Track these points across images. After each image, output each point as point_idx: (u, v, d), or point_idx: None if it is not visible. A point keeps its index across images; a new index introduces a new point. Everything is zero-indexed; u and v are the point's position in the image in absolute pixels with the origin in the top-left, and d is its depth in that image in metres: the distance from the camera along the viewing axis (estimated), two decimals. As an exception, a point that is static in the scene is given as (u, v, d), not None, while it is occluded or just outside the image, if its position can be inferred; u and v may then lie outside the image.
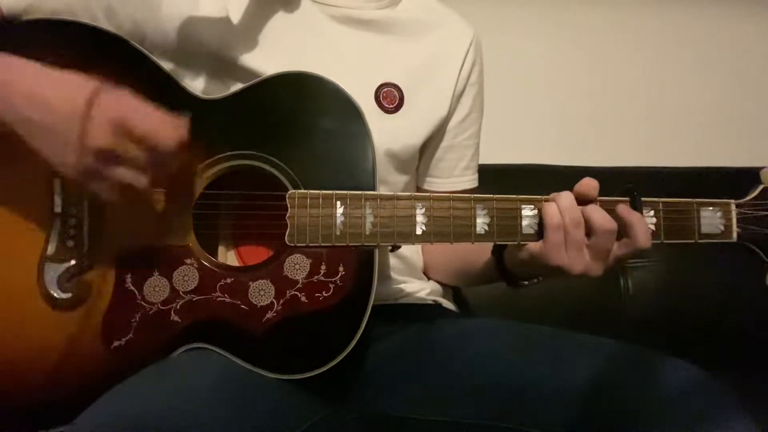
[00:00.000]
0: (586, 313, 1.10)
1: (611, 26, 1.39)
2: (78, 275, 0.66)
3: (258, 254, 0.71)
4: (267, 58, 0.73)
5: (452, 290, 0.91)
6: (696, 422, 0.57)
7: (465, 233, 0.67)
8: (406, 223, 0.66)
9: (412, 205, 0.66)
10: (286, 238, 0.66)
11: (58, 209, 0.66)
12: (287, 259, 0.66)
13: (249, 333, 0.65)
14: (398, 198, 0.66)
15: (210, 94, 0.70)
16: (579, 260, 0.64)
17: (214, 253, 0.72)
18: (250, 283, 0.66)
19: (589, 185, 0.66)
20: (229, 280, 0.66)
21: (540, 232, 0.66)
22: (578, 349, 0.67)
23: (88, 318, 0.65)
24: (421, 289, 0.85)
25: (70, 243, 0.66)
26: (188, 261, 0.66)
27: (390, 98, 0.78)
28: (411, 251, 0.85)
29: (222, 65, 0.73)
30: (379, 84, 0.78)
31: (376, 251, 0.67)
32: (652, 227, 0.67)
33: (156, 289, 0.65)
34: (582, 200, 0.66)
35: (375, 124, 0.69)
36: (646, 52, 1.40)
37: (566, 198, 0.65)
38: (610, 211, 0.65)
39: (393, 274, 0.82)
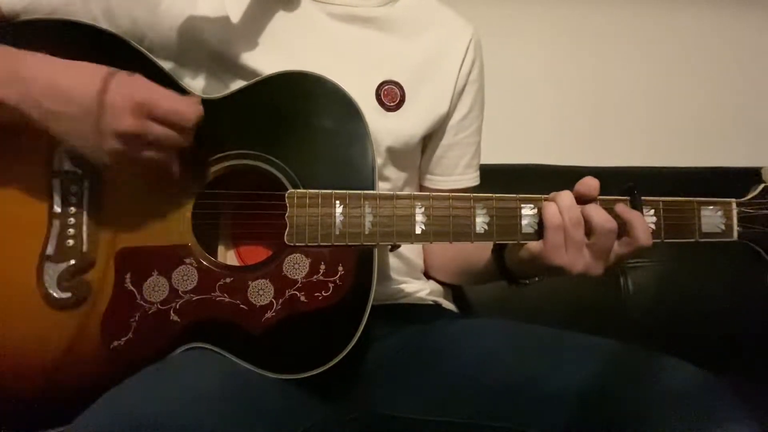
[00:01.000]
0: (586, 313, 1.10)
1: (611, 26, 1.39)
2: (77, 275, 0.66)
3: (257, 254, 0.71)
4: (266, 57, 0.73)
5: (452, 290, 0.91)
6: (696, 422, 0.57)
7: (464, 232, 0.66)
8: (405, 222, 0.66)
9: (412, 204, 0.66)
10: (285, 237, 0.66)
11: (57, 209, 0.66)
12: (286, 259, 0.66)
13: (248, 332, 0.65)
14: (397, 197, 0.66)
15: (209, 93, 0.70)
16: (579, 260, 0.64)
17: (214, 253, 0.72)
18: (250, 282, 0.66)
19: (589, 185, 0.66)
20: (228, 280, 0.66)
21: (540, 231, 0.66)
22: (578, 349, 0.67)
23: (88, 318, 0.65)
24: (420, 290, 0.85)
25: (70, 243, 0.66)
26: (187, 261, 0.66)
27: (391, 96, 0.78)
28: (411, 251, 0.85)
29: (221, 64, 0.73)
30: (380, 82, 0.78)
31: (376, 251, 0.67)
32: (653, 226, 0.67)
33: (155, 288, 0.65)
34: (582, 199, 0.65)
35: (376, 121, 0.69)
36: (646, 52, 1.40)
37: (566, 197, 0.65)
38: (610, 210, 0.65)
39: (393, 274, 0.82)
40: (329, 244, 0.65)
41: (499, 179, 0.83)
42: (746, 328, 1.14)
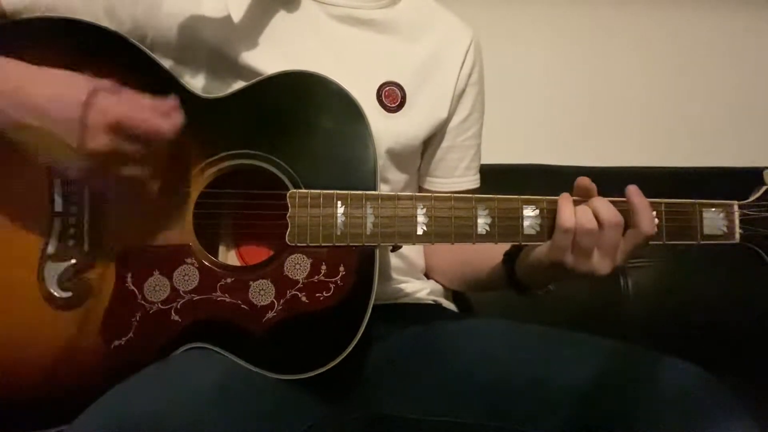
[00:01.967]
0: (586, 313, 1.10)
1: (611, 26, 1.39)
2: (78, 274, 0.66)
3: (258, 254, 0.71)
4: (267, 57, 0.73)
5: (452, 290, 0.91)
6: (696, 422, 0.57)
7: (466, 233, 0.66)
8: (407, 223, 0.66)
9: (413, 205, 0.66)
10: (286, 237, 0.65)
11: (58, 208, 0.66)
12: (288, 259, 0.66)
13: (249, 333, 0.65)
14: (399, 198, 0.66)
15: (210, 91, 0.70)
16: (584, 261, 0.64)
17: (215, 253, 0.72)
18: (251, 282, 0.66)
19: (587, 188, 0.66)
20: (229, 280, 0.66)
21: (543, 232, 0.66)
22: (578, 349, 0.67)
23: (89, 317, 0.65)
24: (421, 289, 0.85)
25: (71, 242, 0.66)
26: (189, 260, 0.66)
27: (392, 97, 0.78)
28: (412, 251, 0.85)
29: (222, 63, 0.73)
30: (381, 83, 0.78)
31: (377, 251, 0.67)
32: (656, 228, 0.67)
33: (156, 288, 0.65)
34: (585, 195, 0.66)
35: (377, 123, 0.69)
36: (646, 52, 1.40)
37: (584, 211, 0.64)
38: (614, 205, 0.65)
39: (393, 274, 0.82)
40: (330, 244, 0.65)
41: (499, 179, 0.83)
42: (746, 329, 1.14)
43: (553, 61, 1.37)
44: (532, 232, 0.67)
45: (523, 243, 0.68)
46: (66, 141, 0.58)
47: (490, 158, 0.94)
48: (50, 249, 0.66)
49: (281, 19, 0.76)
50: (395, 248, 0.71)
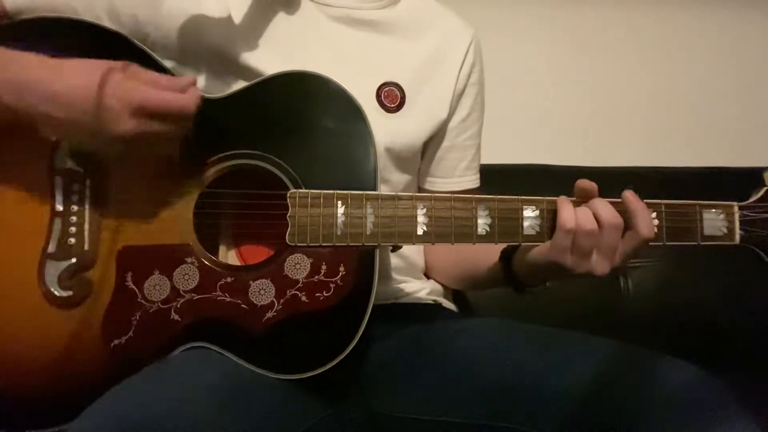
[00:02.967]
0: (586, 313, 1.10)
1: (611, 26, 1.39)
2: (78, 273, 0.66)
3: (259, 253, 0.71)
4: (268, 58, 0.73)
5: (452, 290, 0.91)
6: (696, 422, 0.57)
7: (466, 234, 0.66)
8: (407, 223, 0.66)
9: (413, 205, 0.66)
10: (286, 237, 0.66)
11: (59, 207, 0.66)
12: (288, 259, 0.66)
13: (249, 332, 0.65)
14: (399, 198, 0.66)
15: (210, 92, 0.70)
16: (583, 262, 0.65)
17: (215, 252, 0.72)
18: (251, 282, 0.66)
19: (591, 185, 0.66)
20: (229, 280, 0.66)
21: (543, 232, 0.66)
22: (578, 349, 0.67)
23: (89, 316, 0.65)
24: (421, 289, 0.85)
25: (71, 241, 0.66)
26: (189, 260, 0.66)
27: (391, 97, 0.78)
28: (412, 250, 0.85)
29: (223, 64, 0.73)
30: (380, 83, 0.78)
31: (377, 251, 0.67)
32: (654, 229, 0.67)
33: (156, 287, 0.65)
34: (585, 197, 0.66)
35: (376, 123, 0.69)
36: (646, 52, 1.40)
37: (585, 213, 0.64)
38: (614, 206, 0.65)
39: (393, 274, 0.82)
40: (330, 244, 0.65)
41: (499, 179, 0.83)
42: (746, 329, 1.14)
43: (553, 60, 1.37)
44: (532, 232, 0.67)
45: (523, 243, 0.68)
46: (90, 128, 0.59)
47: (490, 158, 0.94)
48: (51, 248, 0.66)
49: (281, 20, 0.76)
50: (395, 248, 0.71)
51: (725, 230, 0.68)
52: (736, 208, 0.68)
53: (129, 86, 0.59)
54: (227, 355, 0.65)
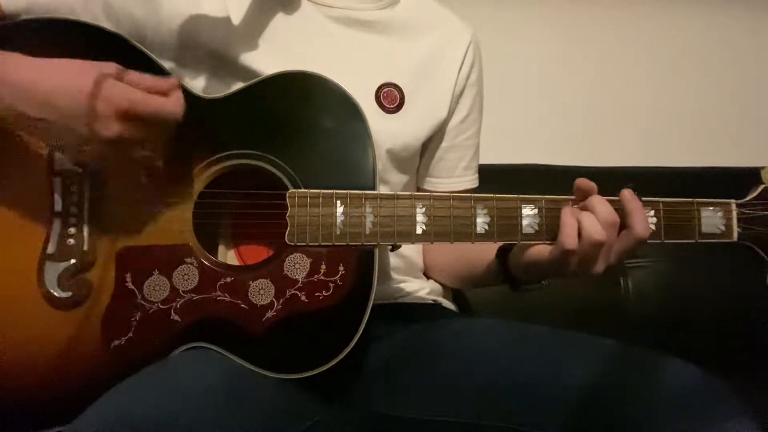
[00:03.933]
0: (586, 313, 1.10)
1: (611, 26, 1.39)
2: (78, 274, 0.66)
3: (258, 253, 0.71)
4: (267, 59, 0.73)
5: (452, 290, 0.91)
6: (696, 422, 0.57)
7: (465, 233, 0.67)
8: (406, 222, 0.66)
9: (412, 204, 0.66)
10: (286, 237, 0.66)
11: (58, 208, 0.66)
12: (287, 259, 0.66)
13: (249, 332, 0.65)
14: (398, 197, 0.66)
15: (210, 93, 0.70)
16: (582, 268, 0.65)
17: (215, 253, 0.72)
18: (250, 282, 0.66)
19: (590, 184, 0.66)
20: (229, 280, 0.66)
21: (542, 231, 0.66)
22: (578, 349, 0.67)
23: (88, 317, 0.65)
24: (420, 289, 0.85)
25: (71, 242, 0.66)
26: (188, 260, 0.66)
27: (390, 98, 0.78)
28: (411, 250, 0.85)
29: (222, 65, 0.73)
30: (379, 84, 0.78)
31: (377, 250, 0.67)
32: (653, 227, 0.67)
33: (156, 288, 0.65)
34: (584, 197, 0.66)
35: (375, 124, 0.69)
36: (645, 52, 1.40)
37: (591, 222, 0.64)
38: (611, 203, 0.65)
39: (393, 274, 0.82)
40: (330, 243, 0.66)
41: (499, 179, 0.83)
42: (746, 328, 1.14)
43: (553, 60, 1.37)
44: (531, 231, 0.67)
45: (522, 242, 0.68)
46: (76, 131, 0.59)
47: (490, 158, 0.95)
48: (50, 249, 0.66)
49: (280, 20, 0.76)
50: (395, 248, 0.71)
51: (723, 228, 0.68)
52: (733, 206, 0.69)
53: (116, 89, 0.59)
54: (227, 355, 0.65)
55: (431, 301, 0.85)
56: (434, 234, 0.66)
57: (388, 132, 0.76)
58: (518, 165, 1.21)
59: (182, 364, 0.63)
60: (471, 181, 0.88)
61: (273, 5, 0.75)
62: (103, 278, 0.66)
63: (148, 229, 0.67)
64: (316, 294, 0.65)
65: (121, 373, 0.60)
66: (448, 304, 0.88)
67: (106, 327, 0.65)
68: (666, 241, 0.68)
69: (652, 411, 0.59)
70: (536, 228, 0.67)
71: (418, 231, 0.66)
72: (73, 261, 0.66)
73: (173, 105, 0.61)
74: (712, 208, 0.68)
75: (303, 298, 0.65)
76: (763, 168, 0.70)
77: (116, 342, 0.65)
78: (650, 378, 0.62)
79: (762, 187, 0.69)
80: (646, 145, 1.38)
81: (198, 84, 0.74)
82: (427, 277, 0.88)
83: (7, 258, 0.66)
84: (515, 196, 0.67)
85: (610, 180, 0.68)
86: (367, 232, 0.66)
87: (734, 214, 0.69)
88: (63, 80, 0.59)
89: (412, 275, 0.85)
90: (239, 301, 0.65)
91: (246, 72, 0.73)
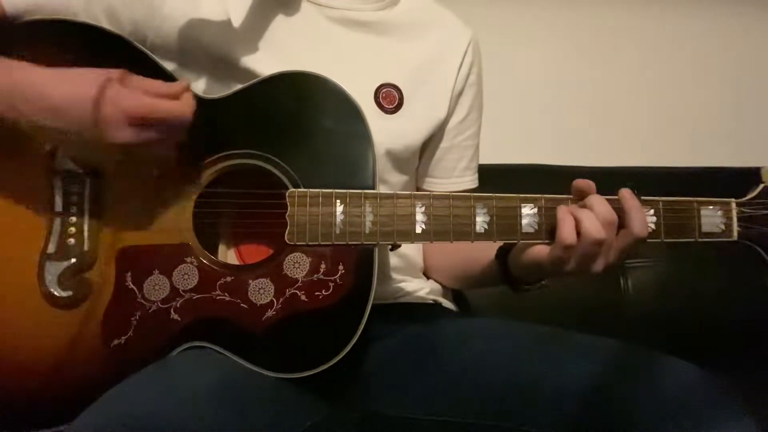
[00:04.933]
0: (586, 313, 1.10)
1: (611, 27, 1.39)
2: (78, 273, 0.66)
3: (258, 253, 0.71)
4: (268, 60, 0.73)
5: (452, 290, 0.91)
6: (696, 422, 0.57)
7: (465, 232, 0.67)
8: (405, 221, 0.66)
9: (412, 203, 0.66)
10: (286, 236, 0.66)
11: (58, 207, 0.66)
12: (287, 258, 0.66)
13: (249, 331, 0.65)
14: (398, 197, 0.66)
15: (211, 94, 0.70)
16: (582, 267, 0.65)
17: (214, 252, 0.72)
18: (250, 281, 0.66)
19: (588, 183, 0.66)
20: (228, 279, 0.66)
21: (541, 230, 0.66)
22: (578, 349, 0.67)
23: (88, 316, 0.65)
24: (420, 288, 0.85)
25: (71, 241, 0.66)
26: (188, 259, 0.66)
27: (390, 99, 0.78)
28: (411, 250, 0.85)
29: (223, 67, 0.73)
30: (378, 84, 0.78)
31: (376, 250, 0.67)
32: (653, 226, 0.67)
33: (156, 287, 0.65)
34: (583, 197, 0.66)
35: (375, 124, 0.69)
36: (645, 52, 1.40)
37: (590, 219, 0.64)
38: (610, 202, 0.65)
39: (393, 273, 0.82)
40: (330, 243, 0.66)
41: (499, 179, 0.83)
42: (746, 328, 1.14)
43: (553, 60, 1.37)
44: (531, 230, 0.67)
45: (522, 241, 0.68)
46: (89, 138, 0.59)
47: (490, 158, 0.95)
48: (50, 248, 0.66)
49: (280, 22, 0.76)
50: (394, 247, 0.71)
51: (723, 227, 0.68)
52: (733, 205, 0.69)
53: (125, 95, 0.60)
54: (227, 354, 0.65)
55: (431, 301, 0.85)
56: (434, 233, 0.66)
57: (387, 132, 0.76)
58: (518, 165, 1.21)
59: (182, 363, 0.63)
60: (470, 181, 0.88)
61: (273, 7, 0.76)
62: (103, 277, 0.66)
63: (149, 228, 0.67)
64: (316, 293, 0.65)
65: (121, 372, 0.60)
66: (448, 304, 0.88)
67: (106, 326, 0.65)
68: (666, 240, 0.68)
69: (652, 411, 0.59)
70: (536, 227, 0.67)
71: (418, 230, 0.66)
72: (73, 260, 0.66)
73: (182, 109, 0.61)
74: (711, 207, 0.68)
75: (303, 297, 0.65)
76: (762, 167, 0.70)
77: (116, 341, 0.65)
78: (650, 378, 0.61)
79: (762, 186, 0.69)
80: (646, 145, 1.38)
81: (199, 86, 0.74)
82: (427, 277, 0.88)
83: (8, 257, 0.66)
84: (515, 195, 0.67)
85: (610, 180, 0.68)
86: (367, 232, 0.66)
87: (734, 213, 0.68)
88: (73, 88, 0.60)
89: (412, 275, 0.85)
90: (239, 301, 0.65)
91: (247, 74, 0.73)
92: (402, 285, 0.82)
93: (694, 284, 1.16)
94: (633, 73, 1.39)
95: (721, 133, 1.40)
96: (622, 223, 0.65)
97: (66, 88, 0.60)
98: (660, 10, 1.39)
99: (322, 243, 0.66)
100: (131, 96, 0.60)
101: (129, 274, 0.66)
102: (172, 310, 0.65)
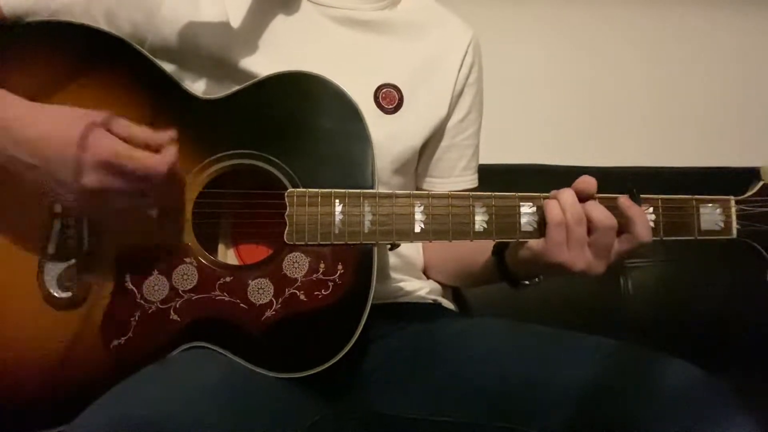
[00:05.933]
0: (586, 313, 1.10)
1: (611, 26, 1.39)
2: (78, 274, 0.66)
3: (257, 253, 0.71)
4: (267, 61, 0.73)
5: (452, 290, 0.91)
6: (696, 422, 0.57)
7: (463, 231, 0.67)
8: (404, 221, 0.66)
9: (411, 203, 0.66)
10: (285, 236, 0.66)
11: (58, 209, 0.66)
12: (286, 258, 0.66)
13: (248, 331, 0.65)
14: (397, 196, 0.66)
15: (210, 95, 0.71)
16: (580, 258, 0.64)
17: (214, 252, 0.72)
18: (250, 281, 0.66)
19: (587, 182, 0.66)
20: (228, 279, 0.66)
21: (540, 229, 0.66)
22: (578, 349, 0.67)
23: (88, 317, 0.65)
24: (420, 288, 0.84)
25: (71, 242, 0.66)
26: (187, 260, 0.66)
27: (389, 99, 0.78)
28: (411, 250, 0.85)
29: (222, 68, 0.73)
30: (378, 84, 0.78)
31: (375, 249, 0.67)
32: (652, 224, 0.67)
33: (155, 288, 0.66)
34: (581, 196, 0.66)
35: (374, 124, 0.69)
36: (646, 52, 1.40)
37: (568, 195, 0.65)
38: (610, 207, 0.65)
39: (392, 273, 0.82)
40: (329, 243, 0.66)
41: (499, 179, 0.83)
42: (746, 328, 1.14)
43: (553, 60, 1.37)
44: (530, 228, 0.67)
45: (521, 240, 0.68)
46: (58, 177, 0.59)
47: (490, 158, 0.95)
48: (50, 249, 0.66)
49: (280, 21, 0.76)
50: (393, 246, 0.71)
51: (722, 225, 0.68)
52: (732, 203, 0.69)
53: (101, 140, 0.59)
54: (226, 354, 0.65)
55: (431, 301, 0.85)
56: (433, 232, 0.66)
57: (386, 132, 0.76)
58: (518, 165, 1.21)
59: (182, 364, 0.63)
60: (470, 181, 0.88)
61: (272, 6, 0.76)
62: (103, 278, 0.66)
63: (148, 229, 0.67)
64: (315, 293, 0.65)
65: (121, 372, 0.60)
66: (447, 303, 0.88)
67: (106, 327, 0.65)
68: (665, 238, 0.68)
69: (652, 411, 0.59)
70: (534, 226, 0.67)
71: (417, 229, 0.66)
72: (73, 261, 0.66)
73: (156, 163, 0.60)
74: (710, 204, 0.68)
75: (302, 297, 0.65)
76: (762, 166, 0.70)
77: (116, 342, 0.65)
78: (650, 378, 0.61)
79: (761, 183, 0.69)
80: (646, 145, 1.38)
81: (199, 87, 0.74)
82: (427, 276, 0.88)
83: (8, 258, 0.66)
84: (513, 194, 0.67)
85: (610, 180, 0.68)
86: (366, 231, 0.66)
87: (733, 210, 0.68)
88: (51, 127, 0.60)
89: (411, 275, 0.85)
90: (238, 301, 0.65)
91: (246, 75, 0.73)
92: (401, 284, 0.82)
93: (694, 284, 1.16)
94: (633, 73, 1.39)
95: (722, 133, 1.40)
96: (624, 230, 0.65)
97: (45, 126, 0.60)
98: (661, 10, 1.39)
99: (321, 243, 0.66)
100: (107, 143, 0.60)
101: (128, 274, 0.66)
102: (171, 311, 0.65)
